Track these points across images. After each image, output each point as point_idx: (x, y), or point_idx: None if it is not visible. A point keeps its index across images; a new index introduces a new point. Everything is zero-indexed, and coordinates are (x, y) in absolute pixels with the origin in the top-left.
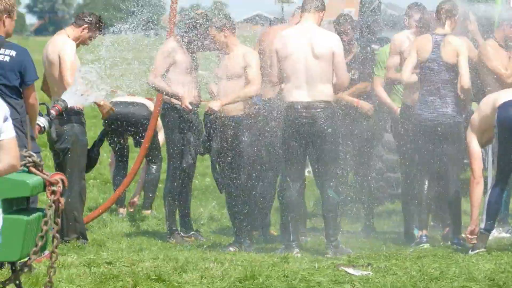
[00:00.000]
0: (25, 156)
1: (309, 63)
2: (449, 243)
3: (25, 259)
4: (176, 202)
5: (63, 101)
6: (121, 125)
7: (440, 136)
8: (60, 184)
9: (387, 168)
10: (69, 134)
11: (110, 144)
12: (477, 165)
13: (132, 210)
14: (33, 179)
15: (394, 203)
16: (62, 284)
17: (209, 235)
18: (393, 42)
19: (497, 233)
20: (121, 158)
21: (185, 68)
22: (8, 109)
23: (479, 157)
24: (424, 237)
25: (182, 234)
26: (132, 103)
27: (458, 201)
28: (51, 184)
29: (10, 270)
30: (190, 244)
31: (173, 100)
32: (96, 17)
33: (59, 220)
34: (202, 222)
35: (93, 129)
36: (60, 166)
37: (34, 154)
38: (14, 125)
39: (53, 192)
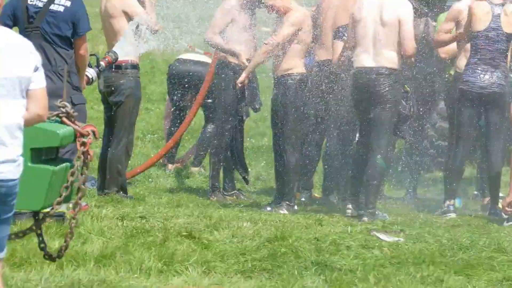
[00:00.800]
0: (59, 107)
1: (377, 28)
2: (487, 213)
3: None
4: (221, 160)
5: (114, 53)
6: (184, 82)
7: (487, 105)
8: (91, 136)
9: (439, 136)
10: (124, 87)
11: (171, 99)
12: None
13: (181, 166)
14: (64, 130)
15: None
16: (91, 236)
17: (252, 195)
18: (451, 10)
19: None
20: (178, 114)
21: (243, 26)
22: (40, 59)
23: None
24: (451, 207)
25: (224, 192)
26: (197, 62)
27: (498, 171)
28: (82, 135)
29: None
30: (231, 202)
31: (229, 58)
32: None
33: (86, 172)
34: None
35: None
36: (110, 120)
37: (68, 105)
38: (62, 76)
39: (83, 144)
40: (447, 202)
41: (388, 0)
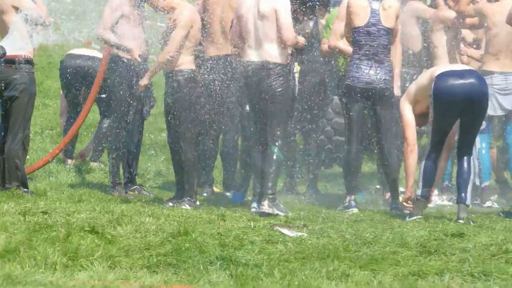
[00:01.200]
0: None
1: (257, 23)
2: (389, 208)
3: None
4: (120, 156)
5: (1, 47)
6: (77, 77)
7: (374, 101)
8: None
9: (335, 131)
10: (18, 82)
11: (65, 95)
12: (410, 133)
13: (80, 161)
14: None
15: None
16: None
17: (154, 190)
18: (341, 6)
19: (439, 201)
20: (74, 109)
21: (133, 21)
22: None
23: (412, 125)
24: (352, 202)
25: (126, 188)
26: (90, 57)
27: (395, 166)
28: None
29: None
30: (132, 198)
31: (121, 53)
32: None
33: None
34: (148, 177)
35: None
36: (7, 114)
37: None
38: None
39: None
40: (348, 197)
41: None
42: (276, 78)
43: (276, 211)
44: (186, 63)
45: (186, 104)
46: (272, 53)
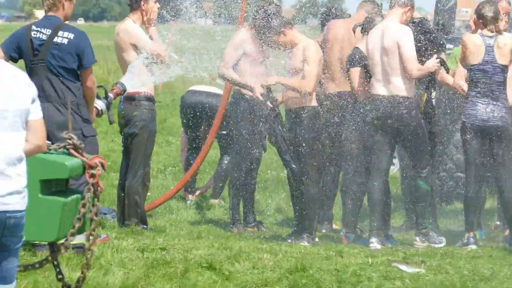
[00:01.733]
0: (66, 139)
1: (382, 57)
2: (507, 244)
3: (63, 240)
4: (241, 193)
5: (122, 84)
6: (197, 113)
7: (491, 138)
8: (100, 168)
9: (457, 168)
10: (138, 119)
11: (186, 132)
12: None
13: (198, 196)
14: (72, 161)
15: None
16: (113, 267)
17: (273, 227)
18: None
19: None
20: (195, 146)
21: (255, 59)
22: (36, 90)
23: None
24: (471, 239)
25: (245, 224)
26: (210, 93)
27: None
28: (91, 167)
29: (49, 250)
30: (252, 234)
31: (243, 91)
32: None
33: (97, 203)
34: (268, 213)
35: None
36: (127, 151)
37: (75, 137)
38: (71, 108)
39: (92, 175)
40: (467, 234)
41: (387, 27)
42: (406, 112)
43: (433, 244)
44: (310, 99)
45: (311, 140)
46: (399, 86)
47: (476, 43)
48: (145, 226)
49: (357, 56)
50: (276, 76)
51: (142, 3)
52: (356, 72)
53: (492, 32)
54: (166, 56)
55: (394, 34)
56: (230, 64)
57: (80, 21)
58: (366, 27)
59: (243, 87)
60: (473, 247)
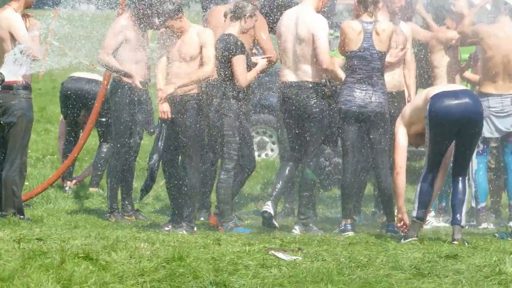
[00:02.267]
0: None
1: (295, 45)
2: (384, 231)
3: None
4: (119, 181)
5: (0, 74)
6: (77, 101)
7: (368, 124)
8: None
9: (335, 154)
10: (17, 108)
11: (64, 117)
12: (399, 156)
13: (78, 184)
14: None
15: None
16: None
17: (151, 215)
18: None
19: (436, 223)
20: (73, 133)
21: (136, 46)
22: None
23: (402, 148)
24: (348, 225)
25: (123, 213)
26: (90, 80)
27: (389, 189)
28: None
29: None
30: (130, 223)
31: (123, 78)
32: None
33: None
34: (146, 202)
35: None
36: (4, 140)
37: None
38: None
39: None
40: (344, 221)
41: (303, 16)
42: (314, 97)
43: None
44: (196, 87)
45: (196, 128)
46: (310, 73)
47: (355, 29)
48: (22, 217)
49: (238, 44)
50: (172, 85)
51: None
52: (240, 59)
53: (371, 17)
54: (39, 55)
55: (310, 25)
56: (110, 50)
57: None
58: (236, 13)
59: (123, 75)
60: (350, 233)
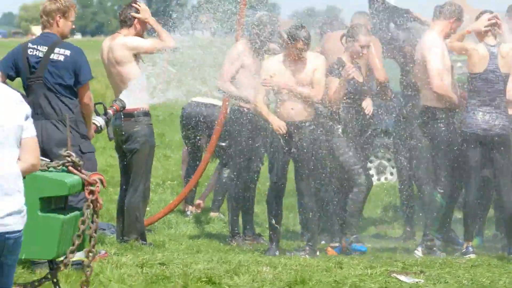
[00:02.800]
0: (64, 156)
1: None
2: (506, 253)
3: (62, 258)
4: (239, 206)
5: (121, 100)
6: (196, 125)
7: (492, 147)
8: (99, 184)
9: None
10: (139, 135)
11: (185, 143)
12: None
13: (198, 211)
14: (71, 179)
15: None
16: (112, 284)
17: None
18: None
19: None
20: (195, 158)
21: (254, 72)
22: (29, 108)
23: None
24: (470, 248)
25: (245, 237)
26: (208, 105)
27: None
28: (90, 184)
29: (48, 268)
30: (251, 247)
31: (242, 104)
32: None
33: (97, 220)
34: (266, 226)
35: None
36: (125, 167)
37: (73, 154)
38: (69, 125)
39: (91, 192)
40: (466, 243)
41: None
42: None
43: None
44: (312, 112)
45: (313, 154)
46: None
47: (480, 52)
48: (144, 242)
49: (336, 66)
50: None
51: (136, 21)
52: (333, 81)
53: (495, 39)
54: (173, 43)
55: (423, 46)
56: (228, 77)
57: (77, 36)
58: (350, 35)
59: (242, 100)
60: (472, 256)
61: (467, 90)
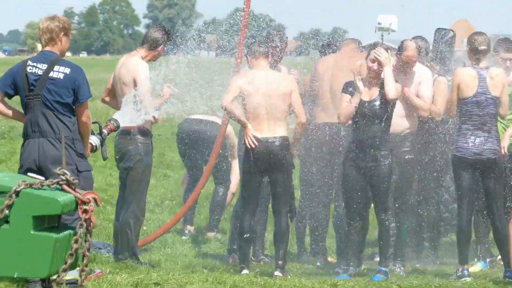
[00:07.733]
0: (59, 174)
1: None
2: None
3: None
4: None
5: (116, 120)
6: (194, 143)
7: (482, 171)
8: (92, 203)
9: (453, 200)
10: (133, 153)
11: (183, 161)
12: None
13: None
14: (65, 197)
15: None
16: None
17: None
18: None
19: None
20: (192, 176)
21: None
22: None
23: None
24: (465, 271)
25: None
26: (206, 122)
27: (505, 234)
28: (83, 202)
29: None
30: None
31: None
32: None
33: (90, 239)
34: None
35: None
36: (123, 185)
37: (68, 172)
38: (66, 143)
39: (85, 211)
40: (461, 267)
41: None
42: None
43: None
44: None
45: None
46: None
47: (470, 75)
48: (137, 261)
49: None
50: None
51: (160, 48)
52: (345, 97)
53: (484, 63)
54: (151, 112)
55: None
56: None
57: (83, 55)
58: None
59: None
60: (468, 279)
61: (458, 115)
